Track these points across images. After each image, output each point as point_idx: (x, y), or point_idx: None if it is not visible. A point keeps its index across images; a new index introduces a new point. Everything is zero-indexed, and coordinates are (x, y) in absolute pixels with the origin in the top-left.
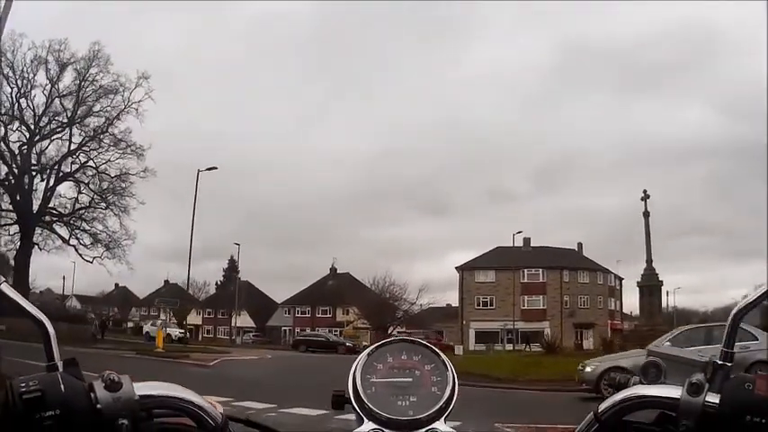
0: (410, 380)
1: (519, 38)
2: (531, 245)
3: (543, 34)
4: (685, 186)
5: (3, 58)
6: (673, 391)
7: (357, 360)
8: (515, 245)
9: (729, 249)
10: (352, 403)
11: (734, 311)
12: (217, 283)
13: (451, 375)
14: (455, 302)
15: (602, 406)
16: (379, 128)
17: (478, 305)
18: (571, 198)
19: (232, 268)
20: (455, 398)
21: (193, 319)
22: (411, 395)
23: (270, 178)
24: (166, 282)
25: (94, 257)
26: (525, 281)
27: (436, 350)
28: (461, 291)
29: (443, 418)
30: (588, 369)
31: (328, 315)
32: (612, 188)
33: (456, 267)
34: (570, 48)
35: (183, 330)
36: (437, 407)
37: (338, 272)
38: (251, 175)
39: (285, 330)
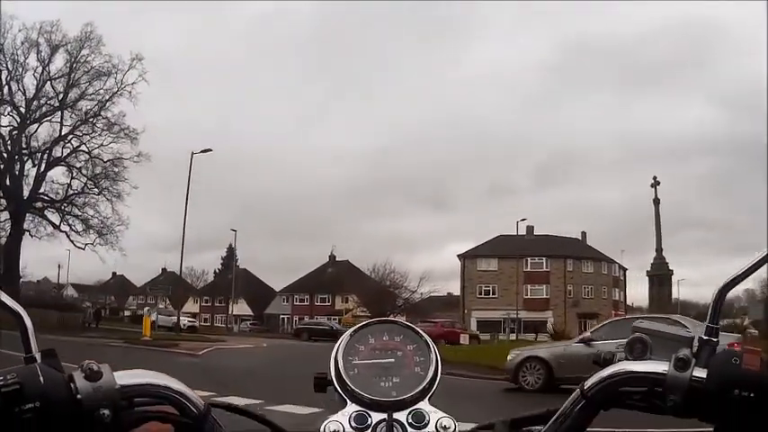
0: (392, 360)
1: (519, 37)
2: (534, 233)
3: (543, 33)
4: (685, 182)
5: None
6: (659, 367)
7: (339, 342)
8: (518, 233)
9: (728, 245)
10: (334, 385)
11: (719, 286)
12: (215, 272)
13: (434, 356)
14: (456, 291)
15: (589, 382)
16: (380, 126)
17: (480, 294)
18: (571, 193)
19: (230, 256)
20: (438, 378)
21: (191, 307)
22: (394, 376)
23: (270, 172)
24: (164, 270)
25: (86, 244)
26: (528, 269)
27: (419, 330)
28: (463, 279)
29: (427, 398)
30: (509, 358)
31: (327, 303)
32: (613, 183)
33: (458, 255)
34: (570, 46)
35: (192, 319)
36: (420, 387)
37: (337, 259)
38: (251, 169)
39: (283, 318)
